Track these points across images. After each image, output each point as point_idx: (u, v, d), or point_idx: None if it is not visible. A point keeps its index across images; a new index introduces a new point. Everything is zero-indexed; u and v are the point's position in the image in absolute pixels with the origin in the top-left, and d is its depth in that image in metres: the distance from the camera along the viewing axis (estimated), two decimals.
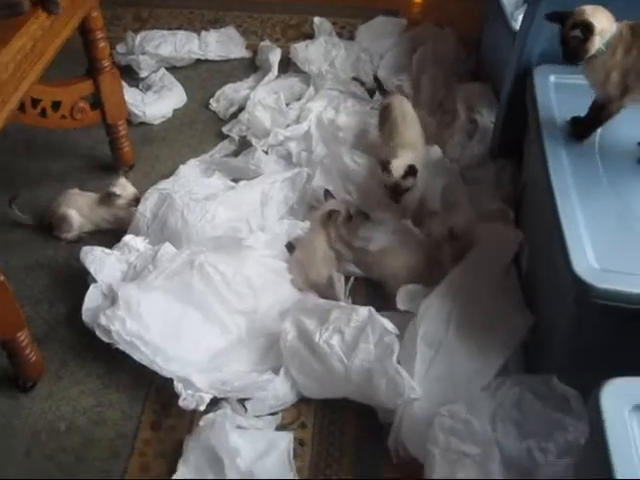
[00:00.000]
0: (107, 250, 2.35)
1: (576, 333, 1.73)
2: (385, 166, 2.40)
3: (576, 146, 2.00)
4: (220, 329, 2.16)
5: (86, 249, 2.34)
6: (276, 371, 2.07)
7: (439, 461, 1.73)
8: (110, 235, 2.51)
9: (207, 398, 2.00)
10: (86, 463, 1.95)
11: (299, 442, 1.99)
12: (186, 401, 2.00)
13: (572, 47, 1.84)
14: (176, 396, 2.01)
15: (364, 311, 2.06)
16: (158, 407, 2.08)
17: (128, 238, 2.38)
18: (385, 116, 2.67)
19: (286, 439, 1.96)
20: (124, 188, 2.52)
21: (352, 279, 2.36)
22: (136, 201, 2.50)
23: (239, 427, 1.97)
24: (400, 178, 2.39)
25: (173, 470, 1.90)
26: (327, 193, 2.48)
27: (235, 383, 2.04)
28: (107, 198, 2.51)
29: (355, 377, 1.98)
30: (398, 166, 2.39)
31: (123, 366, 2.13)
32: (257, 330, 2.17)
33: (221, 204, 2.45)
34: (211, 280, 2.17)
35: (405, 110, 2.66)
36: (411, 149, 2.50)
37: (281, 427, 2.02)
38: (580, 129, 2.03)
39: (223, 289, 2.17)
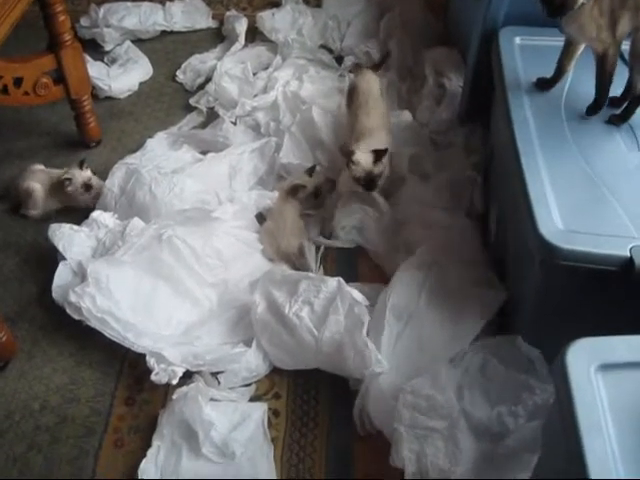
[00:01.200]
0: (75, 227, 2.33)
1: (543, 296, 1.74)
2: (350, 159, 2.28)
3: (542, 107, 2.00)
4: (191, 302, 2.15)
5: (54, 226, 2.31)
6: (248, 343, 2.07)
7: (406, 438, 1.73)
8: (78, 212, 2.48)
9: (180, 372, 2.00)
10: (61, 442, 1.95)
11: (273, 412, 2.00)
12: (158, 376, 2.01)
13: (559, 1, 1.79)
14: (149, 371, 2.01)
15: (333, 282, 2.06)
16: (131, 382, 2.07)
17: (96, 214, 2.36)
18: (352, 98, 2.57)
19: (260, 410, 1.97)
20: (75, 175, 2.47)
21: (322, 248, 2.36)
22: (86, 187, 2.46)
23: (212, 400, 1.97)
24: (371, 166, 2.29)
25: (148, 444, 1.90)
26: (311, 170, 2.47)
27: (207, 357, 2.04)
28: (59, 184, 2.47)
29: (325, 348, 1.98)
30: (364, 157, 2.29)
31: (95, 343, 2.12)
32: (228, 302, 2.16)
33: (189, 177, 2.43)
34: (180, 254, 2.16)
35: (371, 92, 2.55)
36: (375, 133, 2.40)
37: (255, 398, 2.02)
38: (598, 95, 1.96)
39: (192, 262, 2.16)
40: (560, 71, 2.03)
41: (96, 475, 1.88)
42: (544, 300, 1.75)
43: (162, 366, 2.02)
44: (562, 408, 1.29)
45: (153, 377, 2.00)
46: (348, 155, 2.28)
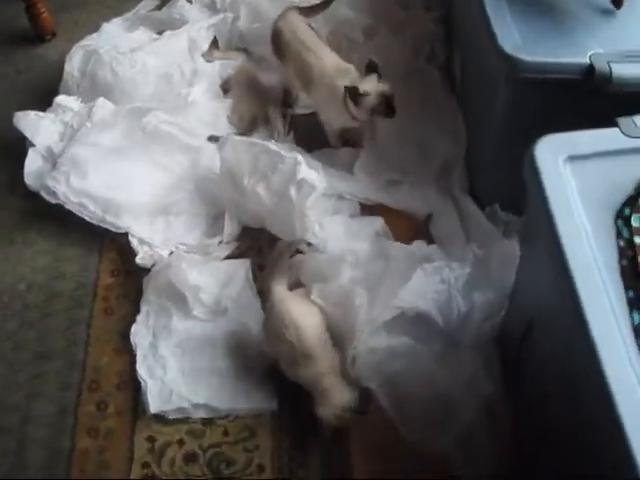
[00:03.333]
0: (41, 113, 2.31)
1: (510, 117, 1.76)
2: (358, 95, 2.02)
3: None
4: (164, 173, 2.16)
5: (19, 114, 2.29)
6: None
7: (380, 394, 1.73)
8: (41, 100, 2.43)
9: (165, 255, 2.05)
10: (52, 316, 1.99)
11: (257, 266, 2.03)
12: (143, 259, 2.05)
13: None
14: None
15: (291, 160, 2.01)
16: (115, 255, 2.10)
17: (60, 99, 2.34)
18: (280, 46, 2.27)
19: (244, 266, 2.01)
20: None
21: (289, 115, 2.35)
22: None
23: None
24: (382, 87, 2.05)
25: (138, 310, 1.94)
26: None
27: (187, 241, 2.08)
28: None
29: (277, 216, 2.02)
30: (369, 84, 2.04)
31: (75, 223, 2.13)
32: (199, 170, 2.17)
33: (149, 54, 2.40)
34: (156, 131, 2.16)
35: (301, 32, 2.24)
36: (341, 65, 2.17)
37: (238, 255, 2.05)
38: None
39: (167, 138, 2.16)
40: None
41: (90, 339, 1.92)
42: (511, 122, 1.77)
43: (145, 249, 2.05)
44: (535, 201, 1.33)
45: (138, 260, 2.04)
46: (354, 93, 2.02)
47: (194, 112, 2.25)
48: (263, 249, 2.07)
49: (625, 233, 1.26)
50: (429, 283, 1.80)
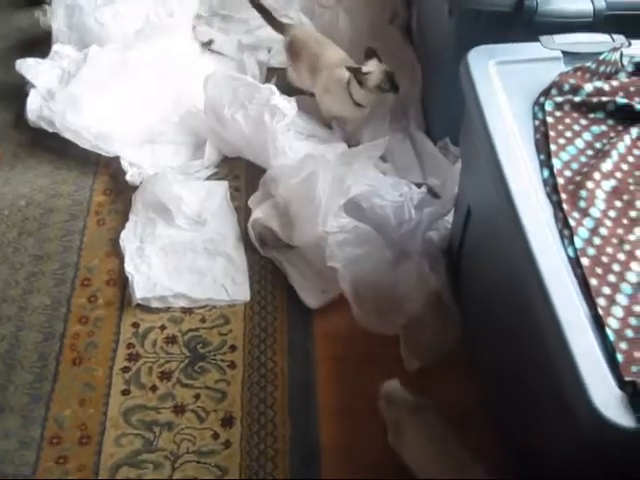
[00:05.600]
0: (40, 60, 2.54)
1: (455, 50, 2.01)
2: (361, 74, 2.20)
3: None
4: (151, 106, 2.40)
5: (20, 61, 2.52)
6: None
7: (342, 275, 1.95)
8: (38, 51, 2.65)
9: (151, 172, 2.26)
10: (49, 227, 2.20)
11: (235, 189, 2.28)
12: (133, 177, 2.27)
13: None
14: (123, 169, 2.30)
15: (266, 89, 2.26)
16: (107, 178, 2.34)
17: (57, 47, 2.57)
18: (295, 50, 2.45)
19: (223, 187, 2.26)
20: None
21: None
22: None
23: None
24: (383, 66, 2.23)
25: (127, 221, 2.18)
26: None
27: (172, 164, 2.32)
28: None
29: (253, 143, 2.26)
30: (371, 64, 2.22)
31: (71, 151, 2.36)
32: (183, 105, 2.42)
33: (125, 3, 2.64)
34: (139, 68, 2.41)
35: (312, 35, 2.48)
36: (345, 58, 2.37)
37: (217, 180, 2.31)
38: None
39: (151, 73, 2.41)
40: None
41: (83, 245, 2.15)
42: (457, 56, 2.03)
43: (134, 169, 2.29)
44: (469, 98, 1.59)
45: (128, 178, 2.28)
46: (357, 72, 2.20)
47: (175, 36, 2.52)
48: (240, 175, 2.32)
49: (540, 115, 1.53)
50: (388, 192, 2.06)
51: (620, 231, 1.31)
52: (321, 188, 1.97)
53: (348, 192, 1.98)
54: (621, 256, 1.27)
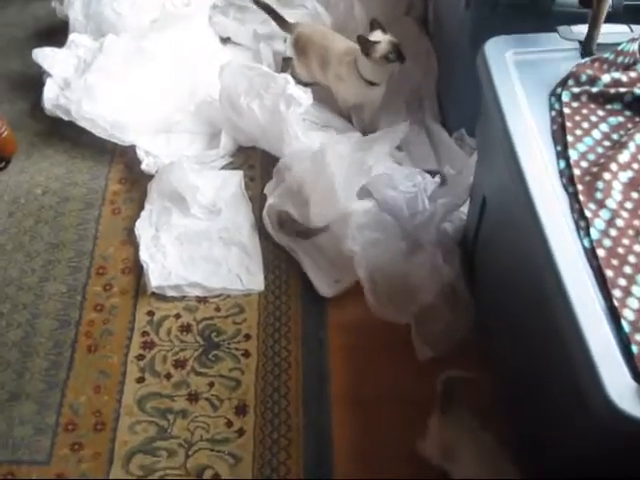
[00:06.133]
0: (56, 49, 2.55)
1: (472, 41, 2.01)
2: (370, 43, 2.18)
3: None
4: (167, 95, 2.41)
5: (36, 51, 2.54)
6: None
7: (359, 260, 1.96)
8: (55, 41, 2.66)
9: (167, 162, 2.27)
10: (64, 215, 2.22)
11: (250, 178, 2.29)
12: (148, 166, 2.28)
13: None
14: (139, 158, 2.31)
15: (281, 79, 2.26)
16: (122, 167, 2.35)
17: (74, 36, 2.58)
18: (302, 45, 2.43)
19: (238, 176, 2.27)
20: None
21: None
22: None
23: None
24: (389, 37, 2.22)
25: (142, 210, 2.18)
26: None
27: (188, 153, 2.33)
28: None
29: (268, 132, 2.26)
30: (377, 35, 2.22)
31: (87, 140, 2.38)
32: (198, 95, 2.43)
33: None
34: (155, 57, 2.41)
35: (318, 30, 2.47)
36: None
37: (233, 169, 2.31)
38: None
39: (167, 62, 2.41)
40: None
41: (98, 233, 2.16)
42: (473, 47, 2.03)
43: (150, 158, 2.30)
44: (486, 88, 1.59)
45: (144, 167, 2.29)
46: (365, 42, 2.18)
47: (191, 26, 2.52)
48: (255, 165, 2.32)
49: (557, 106, 1.52)
50: (402, 183, 2.06)
51: (636, 222, 1.30)
52: (332, 162, 1.98)
53: (370, 172, 1.99)
54: (637, 248, 1.26)
